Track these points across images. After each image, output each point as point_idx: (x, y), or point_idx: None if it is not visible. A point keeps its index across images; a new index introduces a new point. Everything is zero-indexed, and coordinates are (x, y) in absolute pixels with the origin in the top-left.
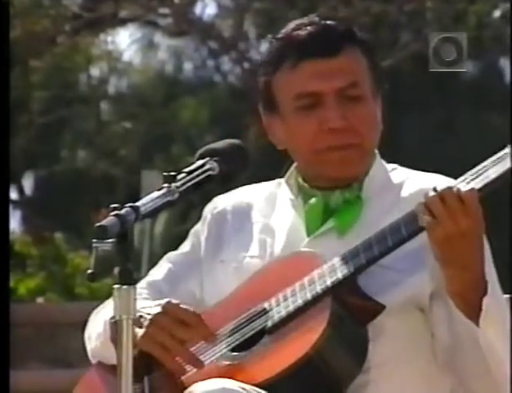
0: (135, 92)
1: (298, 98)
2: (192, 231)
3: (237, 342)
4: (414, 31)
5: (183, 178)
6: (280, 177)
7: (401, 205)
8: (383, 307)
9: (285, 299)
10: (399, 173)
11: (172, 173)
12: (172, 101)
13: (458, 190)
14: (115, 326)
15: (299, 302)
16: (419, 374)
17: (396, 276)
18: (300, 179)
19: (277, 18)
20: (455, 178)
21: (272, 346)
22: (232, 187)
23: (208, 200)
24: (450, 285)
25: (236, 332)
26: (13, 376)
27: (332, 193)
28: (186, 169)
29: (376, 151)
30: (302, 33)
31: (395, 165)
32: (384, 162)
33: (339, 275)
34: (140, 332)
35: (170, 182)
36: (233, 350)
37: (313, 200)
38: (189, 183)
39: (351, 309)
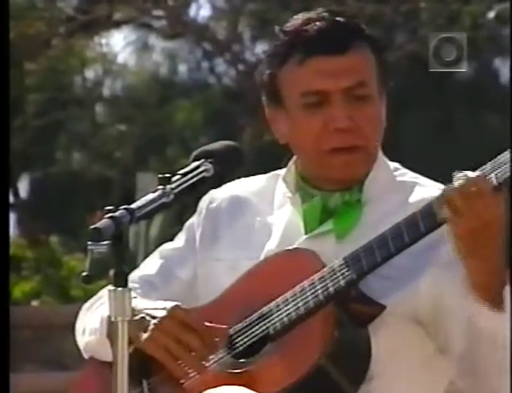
0: (130, 94)
1: (305, 96)
2: (187, 224)
3: (240, 348)
4: (409, 32)
5: (178, 179)
6: (279, 168)
7: (408, 210)
8: (383, 308)
9: (286, 304)
10: (405, 176)
11: (167, 175)
12: (166, 103)
13: (476, 182)
14: (112, 323)
15: (301, 310)
16: (417, 383)
17: (390, 285)
18: (299, 177)
19: (271, 20)
20: (451, 177)
21: (278, 355)
22: None
23: None
24: (474, 277)
25: (237, 337)
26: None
27: (332, 194)
28: (181, 171)
29: (379, 150)
30: (310, 28)
31: (397, 164)
32: (387, 160)
33: (342, 282)
34: (144, 334)
35: (165, 184)
36: (235, 355)
37: (313, 200)
38: (184, 185)
39: (353, 314)
